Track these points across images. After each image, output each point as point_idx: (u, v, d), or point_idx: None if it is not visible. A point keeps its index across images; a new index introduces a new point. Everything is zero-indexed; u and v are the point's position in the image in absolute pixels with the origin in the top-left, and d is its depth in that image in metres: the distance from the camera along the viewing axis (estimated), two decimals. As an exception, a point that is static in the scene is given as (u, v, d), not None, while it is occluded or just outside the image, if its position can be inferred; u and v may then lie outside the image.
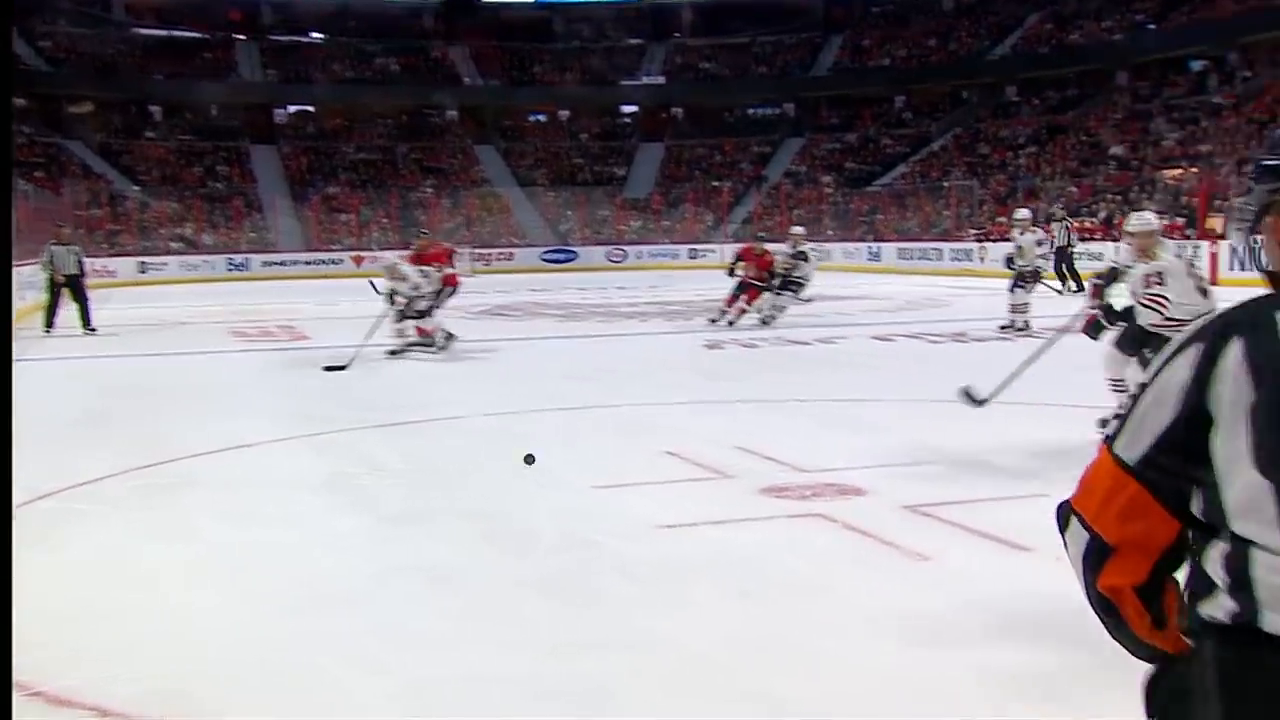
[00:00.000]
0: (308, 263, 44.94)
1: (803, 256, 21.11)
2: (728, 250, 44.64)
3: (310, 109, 61.29)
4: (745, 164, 58.72)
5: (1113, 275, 10.26)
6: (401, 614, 5.65)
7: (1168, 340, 5.68)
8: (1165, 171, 40.86)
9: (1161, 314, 8.68)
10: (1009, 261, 19.33)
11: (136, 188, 52.25)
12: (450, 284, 17.95)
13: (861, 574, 6.26)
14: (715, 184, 56.20)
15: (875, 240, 43.33)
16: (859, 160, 56.90)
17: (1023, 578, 6.19)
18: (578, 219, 52.87)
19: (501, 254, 46.52)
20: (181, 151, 57.24)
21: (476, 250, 45.29)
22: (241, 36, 62.10)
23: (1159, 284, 8.78)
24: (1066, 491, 2.14)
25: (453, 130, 60.90)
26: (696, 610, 5.68)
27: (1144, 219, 9.71)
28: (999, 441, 9.83)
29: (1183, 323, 7.40)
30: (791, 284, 20.91)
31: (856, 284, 32.25)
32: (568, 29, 65.60)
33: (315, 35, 63.16)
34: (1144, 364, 8.24)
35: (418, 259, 17.96)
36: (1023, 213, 20.70)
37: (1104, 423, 8.30)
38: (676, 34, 64.89)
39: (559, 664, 5.04)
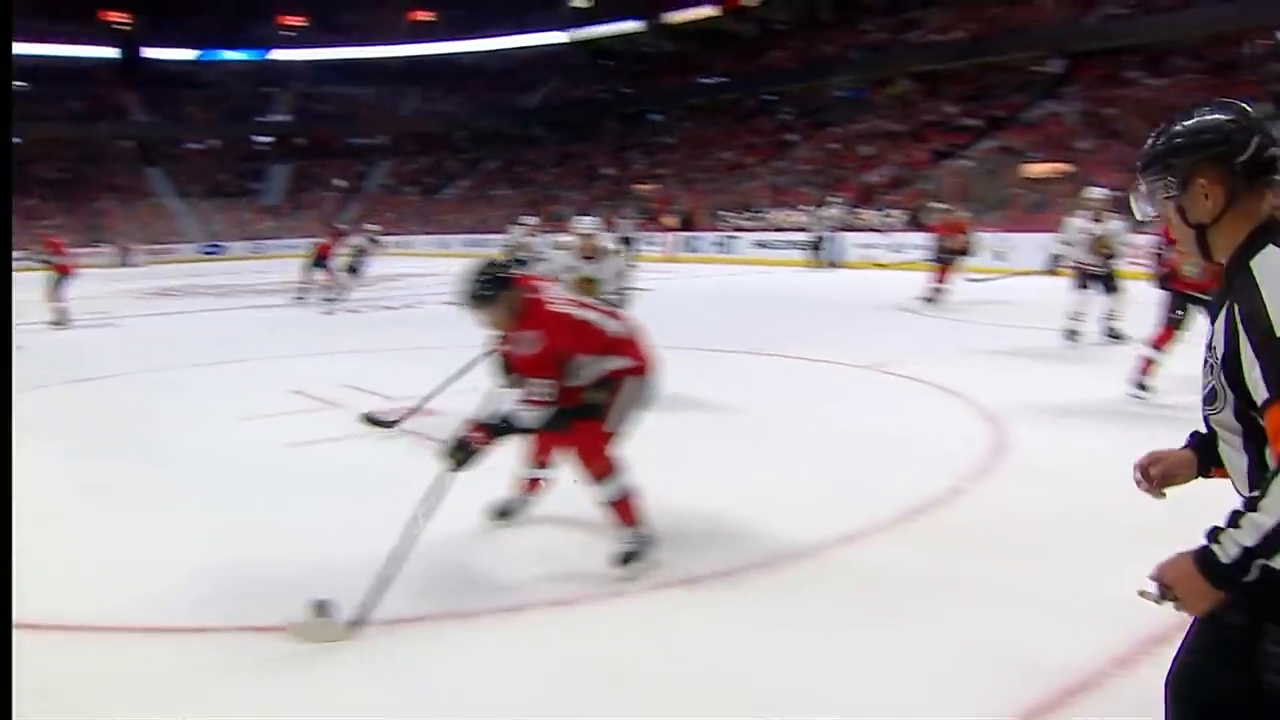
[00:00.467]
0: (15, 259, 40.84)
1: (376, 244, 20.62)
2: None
3: (18, 140, 56.86)
4: (350, 179, 57.63)
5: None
6: (98, 520, 5.32)
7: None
8: (638, 186, 42.62)
9: None
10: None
11: None
12: (65, 271, 16.60)
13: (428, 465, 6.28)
14: (328, 194, 54.92)
15: (445, 233, 43.21)
16: (433, 176, 56.61)
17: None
18: (226, 221, 50.88)
19: (166, 249, 44.21)
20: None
21: (148, 247, 43.12)
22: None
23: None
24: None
25: (128, 156, 57.48)
26: (319, 505, 5.59)
27: (585, 225, 8.54)
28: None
29: None
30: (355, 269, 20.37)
31: (428, 265, 32.03)
32: (218, 79, 62.82)
33: (20, 83, 58.64)
34: None
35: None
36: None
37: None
38: (298, 83, 62.98)
39: (213, 551, 4.87)
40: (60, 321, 15.62)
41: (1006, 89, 36.28)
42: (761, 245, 26.85)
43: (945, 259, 15.30)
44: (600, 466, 4.43)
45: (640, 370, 4.58)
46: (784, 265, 24.68)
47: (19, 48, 57.55)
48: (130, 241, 43.40)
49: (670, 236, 30.94)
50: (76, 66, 59.61)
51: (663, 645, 3.73)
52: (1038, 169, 29.02)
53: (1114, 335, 10.61)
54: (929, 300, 14.92)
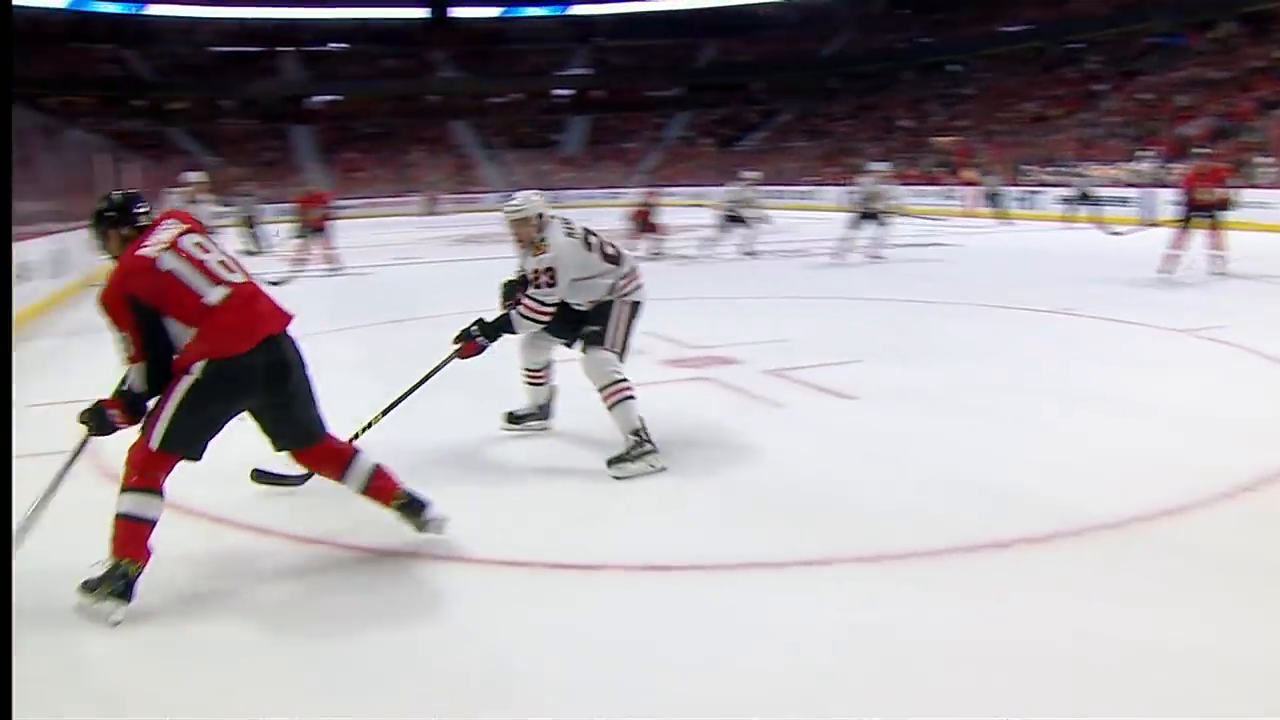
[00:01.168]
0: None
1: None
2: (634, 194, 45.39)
3: (340, 98, 60.94)
4: (647, 131, 58.54)
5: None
6: (420, 453, 5.59)
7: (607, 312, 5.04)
8: (936, 138, 41.41)
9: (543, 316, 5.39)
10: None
11: (218, 159, 51.92)
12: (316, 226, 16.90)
13: (737, 418, 6.26)
14: (625, 146, 55.98)
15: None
16: (729, 128, 56.85)
17: (852, 414, 6.26)
18: (527, 173, 52.74)
19: (470, 199, 46.28)
20: (246, 131, 56.33)
21: (453, 196, 45.32)
22: (286, 47, 61.05)
23: (550, 283, 5.31)
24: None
25: (436, 111, 60.42)
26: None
27: (516, 203, 5.72)
28: (831, 326, 9.90)
29: (596, 299, 5.38)
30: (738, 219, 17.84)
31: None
32: (518, 35, 65.14)
33: (337, 45, 62.82)
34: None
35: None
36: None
37: (512, 417, 6.04)
38: (596, 38, 64.51)
39: (521, 487, 5.02)
40: (335, 268, 16.50)
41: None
42: (1067, 201, 25.51)
43: (1201, 215, 12.81)
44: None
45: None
46: (1089, 222, 23.36)
47: (338, 12, 61.73)
48: (437, 191, 45.71)
49: (970, 191, 29.83)
50: (390, 27, 63.19)
51: (973, 608, 3.55)
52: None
53: None
54: (1215, 269, 12.71)
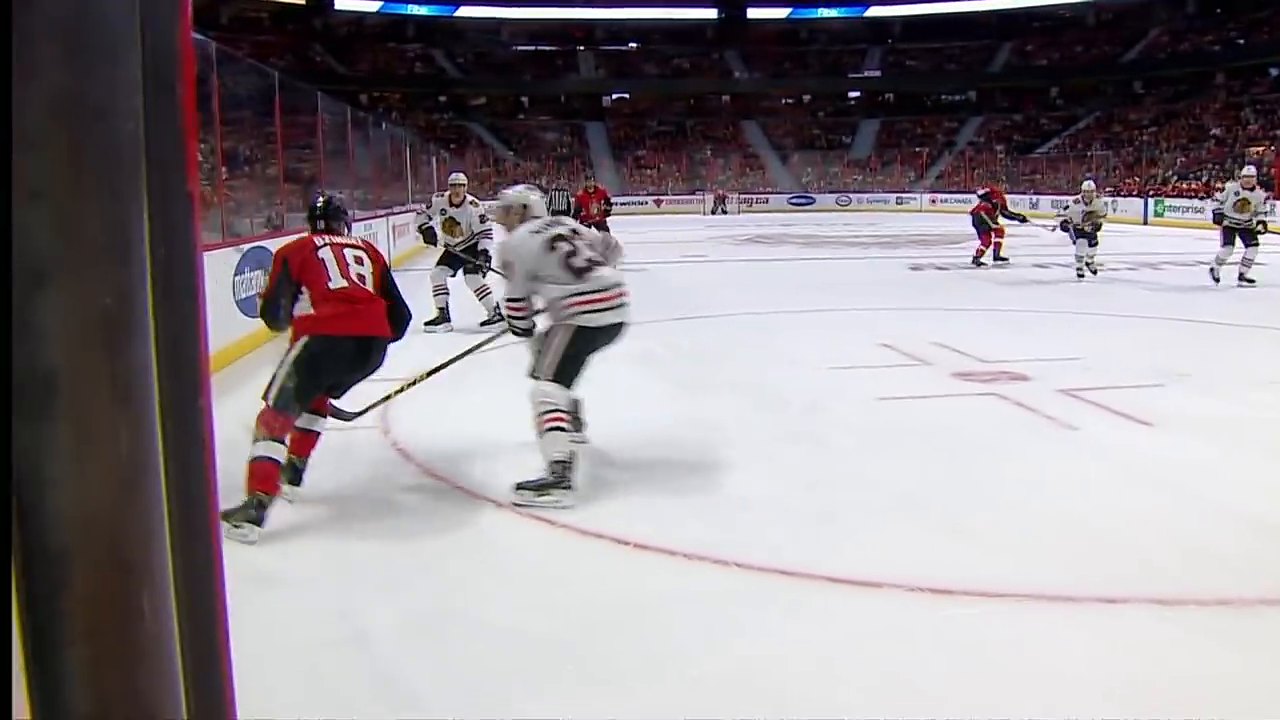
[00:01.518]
0: (622, 203, 45.07)
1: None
2: (925, 198, 44.61)
3: (627, 96, 62.30)
4: (939, 135, 57.19)
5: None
6: (695, 451, 5.60)
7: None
8: (1251, 148, 38.59)
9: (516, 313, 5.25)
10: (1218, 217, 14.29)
11: (511, 153, 54.21)
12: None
13: (1026, 438, 5.98)
14: (916, 150, 54.88)
15: (1035, 193, 41.47)
16: (1023, 134, 54.81)
17: (1149, 441, 5.86)
18: (815, 174, 52.60)
19: (759, 199, 46.40)
20: (541, 127, 58.53)
21: (741, 195, 45.64)
22: (581, 47, 62.99)
23: (506, 275, 5.27)
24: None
25: (726, 110, 60.95)
26: (904, 459, 5.51)
27: (505, 192, 5.56)
28: (1127, 344, 9.35)
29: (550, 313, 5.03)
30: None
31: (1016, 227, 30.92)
32: (810, 35, 64.98)
33: (632, 44, 64.23)
34: None
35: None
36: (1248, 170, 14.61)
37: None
38: (890, 39, 63.57)
39: (801, 493, 4.94)
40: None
41: None
42: None
43: None
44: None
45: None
46: None
47: (633, 12, 63.21)
48: (725, 190, 46.16)
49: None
50: (680, 28, 64.29)
51: (1249, 658, 3.22)
52: None
53: None
54: None
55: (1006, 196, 18.62)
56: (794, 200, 47.17)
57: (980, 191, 18.61)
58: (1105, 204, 15.26)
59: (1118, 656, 3.25)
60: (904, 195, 46.88)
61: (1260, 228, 13.86)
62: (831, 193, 48.18)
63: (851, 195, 47.20)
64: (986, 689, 3.05)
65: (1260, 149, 38.01)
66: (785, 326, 10.47)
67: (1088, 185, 15.89)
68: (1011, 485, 5.06)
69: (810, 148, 56.33)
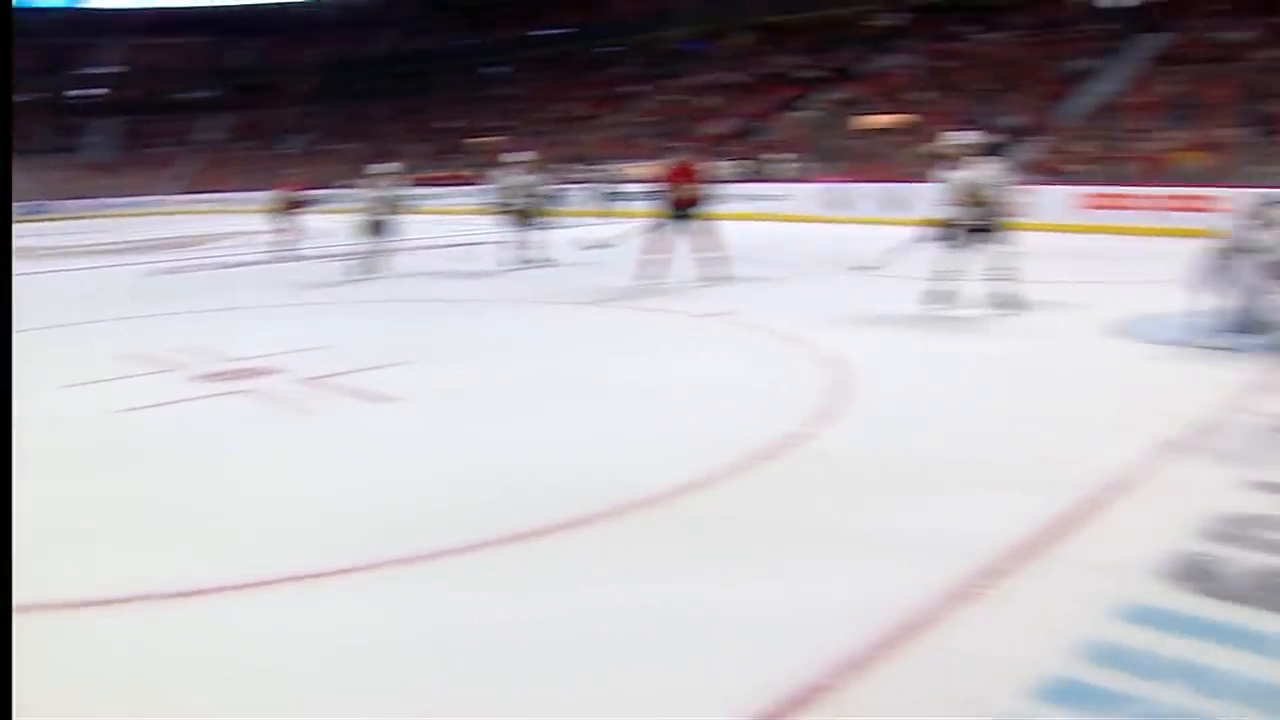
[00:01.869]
0: None
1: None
2: (175, 200, 42.76)
3: None
4: (182, 135, 55.29)
5: None
6: None
7: None
8: (478, 139, 41.87)
9: None
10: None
11: None
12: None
13: (271, 430, 6.17)
14: (165, 150, 52.71)
15: (309, 188, 41.13)
16: (267, 131, 54.77)
17: (389, 416, 6.34)
18: (45, 180, 48.37)
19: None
20: None
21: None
22: None
23: None
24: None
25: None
26: (148, 468, 5.45)
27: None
28: (376, 328, 9.90)
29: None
30: None
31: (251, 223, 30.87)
32: (33, 28, 59.18)
33: None
34: None
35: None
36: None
37: None
38: (129, 34, 59.88)
39: (44, 517, 4.66)
40: None
41: (846, 41, 36.79)
42: (609, 197, 26.73)
43: (676, 212, 12.46)
44: None
45: None
46: (623, 216, 24.53)
47: None
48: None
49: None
50: None
51: (508, 597, 3.72)
52: (877, 120, 29.58)
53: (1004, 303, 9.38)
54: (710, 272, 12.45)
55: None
56: (27, 210, 43.21)
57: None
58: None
59: (379, 617, 3.56)
60: (153, 198, 44.87)
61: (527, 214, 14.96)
62: (73, 199, 44.76)
63: (94, 200, 44.26)
64: (256, 681, 3.19)
65: (483, 139, 41.38)
66: (20, 346, 9.58)
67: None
68: (257, 477, 5.22)
69: (36, 152, 51.65)
